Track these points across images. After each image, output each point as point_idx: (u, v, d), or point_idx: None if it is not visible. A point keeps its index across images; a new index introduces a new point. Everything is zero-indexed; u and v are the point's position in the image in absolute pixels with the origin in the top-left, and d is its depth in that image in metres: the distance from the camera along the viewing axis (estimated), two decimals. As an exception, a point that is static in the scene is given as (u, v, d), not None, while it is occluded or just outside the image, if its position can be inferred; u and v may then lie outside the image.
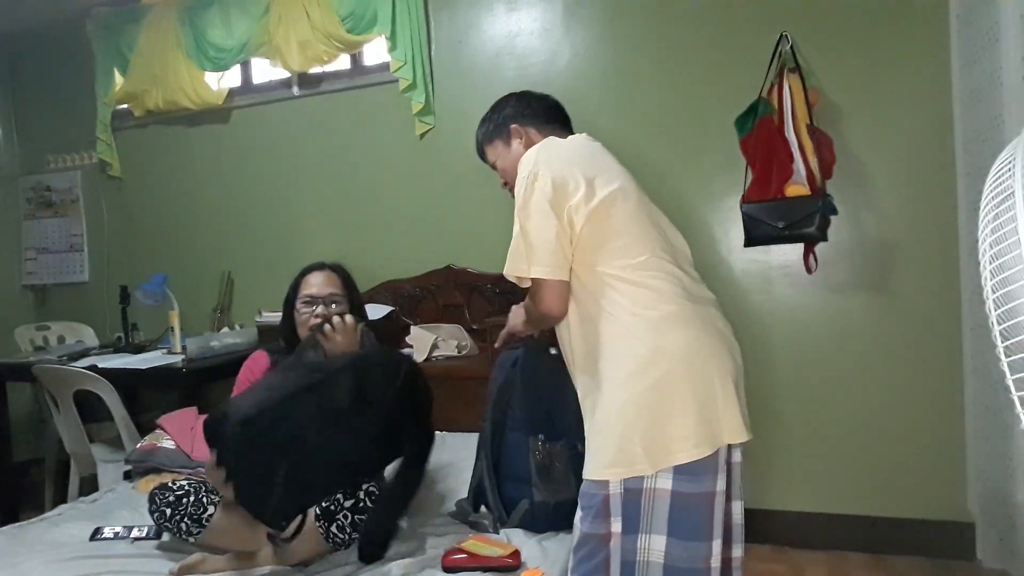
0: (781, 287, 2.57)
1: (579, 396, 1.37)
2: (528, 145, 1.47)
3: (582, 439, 1.67)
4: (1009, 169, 0.77)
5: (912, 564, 2.37)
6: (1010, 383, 0.78)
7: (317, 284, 1.92)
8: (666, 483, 1.20)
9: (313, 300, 1.89)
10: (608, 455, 1.23)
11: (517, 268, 1.30)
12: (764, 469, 2.57)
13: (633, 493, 1.21)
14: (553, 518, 1.69)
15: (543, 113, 1.57)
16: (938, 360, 2.39)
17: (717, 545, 1.22)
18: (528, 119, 1.55)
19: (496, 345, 1.77)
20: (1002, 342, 0.79)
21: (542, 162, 1.32)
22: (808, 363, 2.54)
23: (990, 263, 0.80)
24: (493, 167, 1.61)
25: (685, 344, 1.23)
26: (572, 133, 1.57)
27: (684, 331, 1.24)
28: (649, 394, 1.21)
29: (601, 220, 1.28)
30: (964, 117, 2.25)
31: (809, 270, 2.42)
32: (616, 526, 1.22)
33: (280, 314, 2.01)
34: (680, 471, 1.19)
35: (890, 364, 2.45)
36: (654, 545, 1.21)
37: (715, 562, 1.22)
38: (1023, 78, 1.70)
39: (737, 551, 1.33)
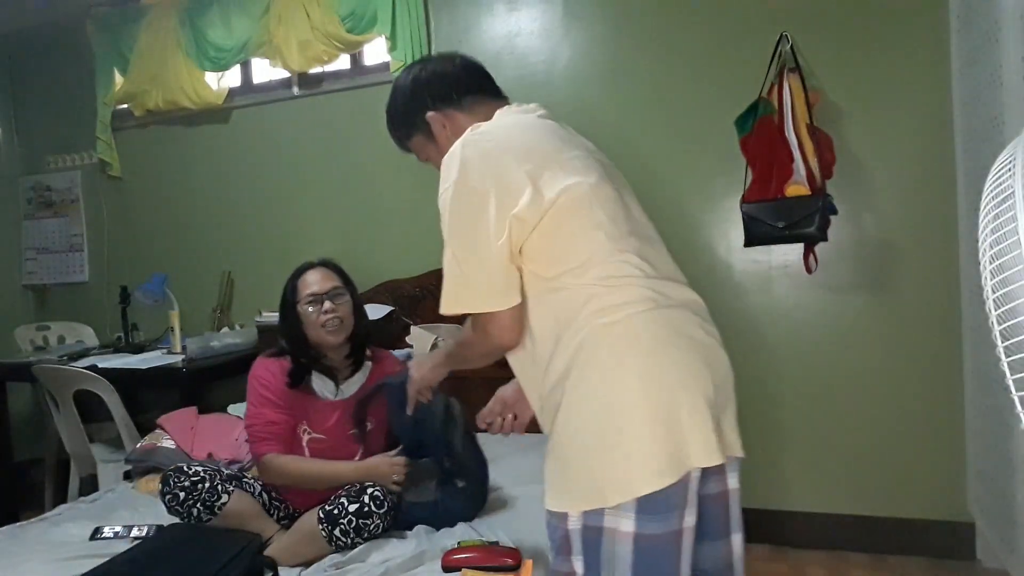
0: (781, 287, 2.57)
1: (541, 423, 1.17)
2: (456, 133, 1.19)
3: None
4: (1009, 169, 0.77)
5: (912, 564, 2.38)
6: (1010, 383, 0.78)
7: (317, 281, 1.89)
8: (628, 525, 1.00)
9: (317, 297, 1.87)
10: (562, 484, 1.06)
11: (459, 303, 1.11)
12: (764, 469, 2.57)
13: (593, 531, 1.03)
14: (432, 516, 1.77)
15: (458, 84, 1.26)
16: (938, 360, 2.39)
17: None
18: (443, 100, 1.25)
19: (408, 412, 1.57)
20: (1002, 342, 0.79)
21: (471, 167, 1.09)
22: (808, 363, 2.54)
23: (990, 263, 0.80)
24: (423, 160, 1.36)
25: (647, 357, 1.03)
26: (501, 96, 1.28)
27: (648, 342, 1.04)
28: (605, 416, 1.02)
29: (553, 225, 1.07)
30: (964, 117, 2.25)
31: (809, 270, 2.42)
32: (579, 566, 1.05)
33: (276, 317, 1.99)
34: (644, 508, 0.99)
35: (890, 364, 2.45)
36: None
37: None
38: (1023, 78, 1.70)
39: None
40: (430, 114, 1.25)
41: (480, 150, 1.11)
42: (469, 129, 1.16)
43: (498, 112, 1.22)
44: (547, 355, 1.09)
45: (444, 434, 1.79)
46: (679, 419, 1.01)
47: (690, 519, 1.03)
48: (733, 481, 1.12)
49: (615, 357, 1.03)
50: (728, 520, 1.13)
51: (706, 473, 1.05)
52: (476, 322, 1.15)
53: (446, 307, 1.13)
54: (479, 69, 1.30)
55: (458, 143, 1.14)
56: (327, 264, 1.96)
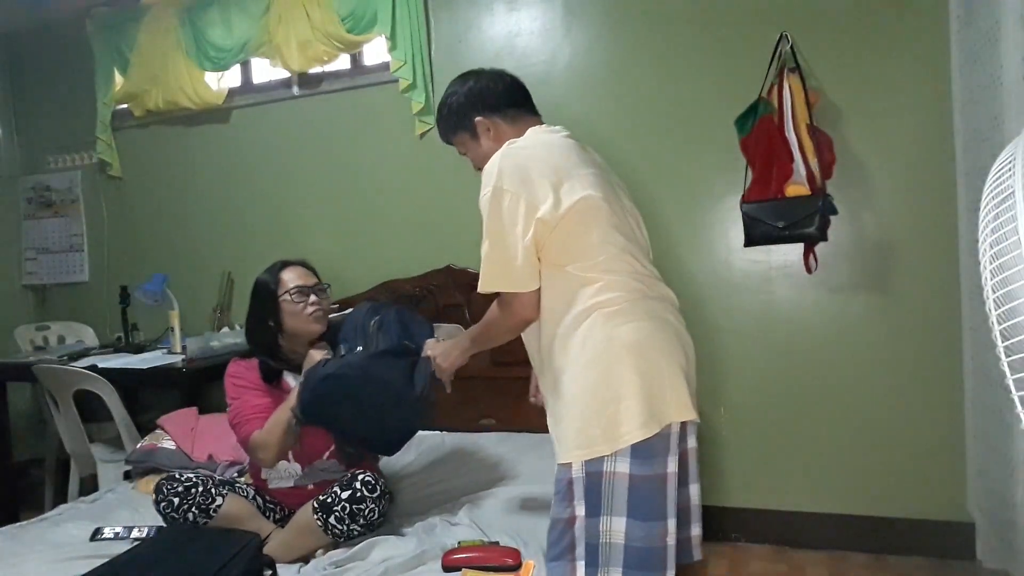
0: (781, 287, 2.57)
1: (545, 389, 1.45)
2: (497, 139, 1.47)
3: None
4: (1009, 169, 0.77)
5: (912, 564, 2.37)
6: (1010, 383, 0.78)
7: (300, 276, 1.96)
8: (624, 466, 1.27)
9: (304, 290, 1.91)
10: (570, 440, 1.32)
11: (493, 284, 1.38)
12: (764, 469, 2.57)
13: (594, 476, 1.28)
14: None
15: (505, 98, 1.53)
16: (938, 360, 2.39)
17: (672, 524, 1.29)
18: (491, 109, 1.51)
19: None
20: (1002, 342, 0.79)
21: (506, 176, 1.35)
22: (808, 363, 2.54)
23: (990, 263, 0.80)
24: (462, 153, 1.62)
25: (636, 335, 1.31)
26: (536, 114, 1.56)
27: (636, 323, 1.32)
28: (602, 381, 1.29)
29: (568, 226, 1.33)
30: (964, 117, 2.25)
31: (809, 270, 2.42)
32: (580, 510, 1.29)
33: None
34: (636, 454, 1.26)
35: (890, 364, 2.45)
36: (615, 527, 1.28)
37: (671, 540, 1.29)
38: (1023, 78, 1.70)
39: (696, 530, 1.43)
40: (478, 119, 1.51)
41: (514, 162, 1.36)
42: (506, 143, 1.41)
43: (530, 130, 1.47)
44: (553, 332, 1.36)
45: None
46: (662, 384, 1.30)
47: (672, 465, 1.30)
48: (692, 441, 1.40)
49: (609, 333, 1.30)
50: (687, 472, 1.39)
51: (685, 433, 1.34)
52: (503, 301, 1.41)
53: (483, 287, 1.39)
54: (523, 88, 1.57)
55: (497, 155, 1.38)
56: (304, 264, 2.03)
